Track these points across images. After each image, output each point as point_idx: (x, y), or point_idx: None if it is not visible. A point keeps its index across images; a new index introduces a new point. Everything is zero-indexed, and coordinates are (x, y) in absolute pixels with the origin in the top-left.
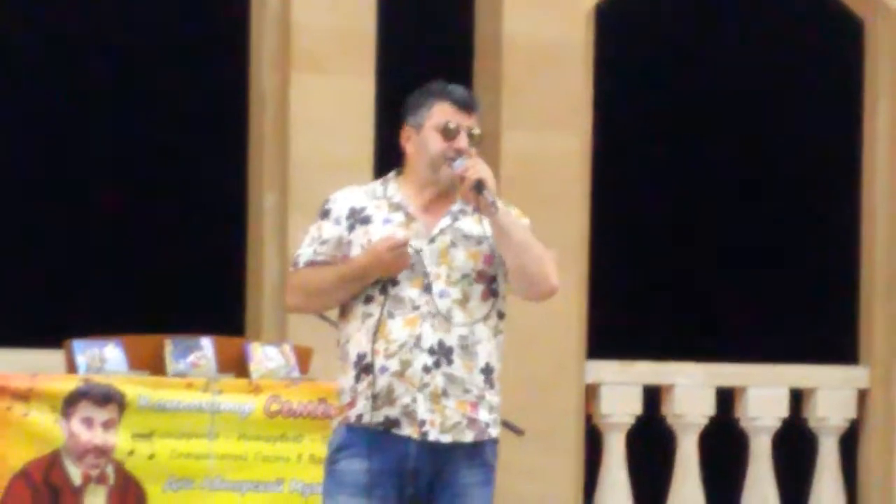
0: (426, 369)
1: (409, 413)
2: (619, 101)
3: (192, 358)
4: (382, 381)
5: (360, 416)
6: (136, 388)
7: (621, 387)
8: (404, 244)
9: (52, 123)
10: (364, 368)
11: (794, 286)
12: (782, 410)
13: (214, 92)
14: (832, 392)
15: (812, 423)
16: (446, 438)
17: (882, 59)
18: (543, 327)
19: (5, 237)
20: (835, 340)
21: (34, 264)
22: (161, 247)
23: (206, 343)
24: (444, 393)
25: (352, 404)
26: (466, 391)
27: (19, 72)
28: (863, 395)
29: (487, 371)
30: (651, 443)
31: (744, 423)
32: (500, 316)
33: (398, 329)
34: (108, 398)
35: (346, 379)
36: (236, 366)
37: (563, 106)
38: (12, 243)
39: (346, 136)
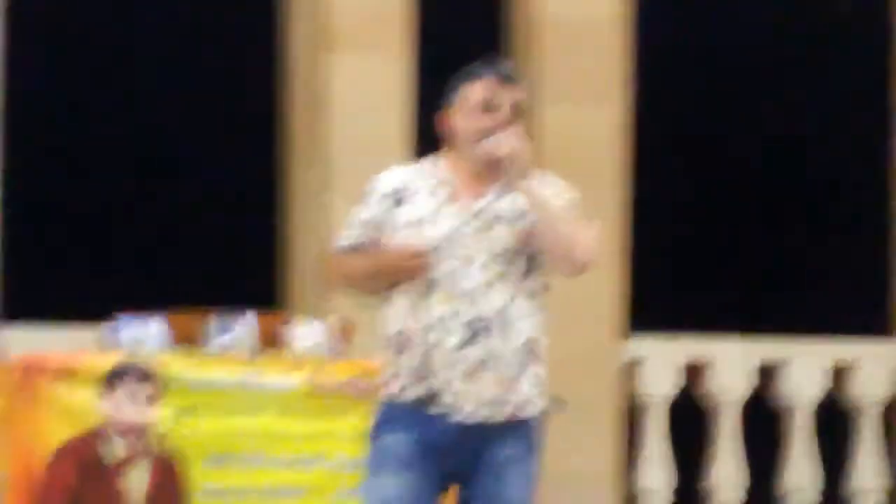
0: (463, 345)
1: (447, 388)
2: (657, 75)
3: (233, 334)
4: (421, 357)
5: (402, 390)
6: (178, 365)
7: (662, 362)
8: (417, 253)
9: (95, 102)
10: (404, 344)
11: (835, 260)
12: (822, 385)
13: (247, 71)
14: (873, 367)
15: (852, 398)
16: (481, 415)
17: None
18: (584, 302)
19: (49, 214)
20: (877, 315)
21: (78, 241)
22: (203, 224)
23: (248, 319)
24: (481, 369)
25: (393, 379)
26: (505, 368)
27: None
28: None
29: (529, 345)
30: (691, 418)
31: (784, 399)
32: (542, 292)
33: (437, 305)
34: (149, 374)
35: (388, 354)
36: (278, 342)
37: (602, 81)
38: (56, 220)
39: (382, 115)
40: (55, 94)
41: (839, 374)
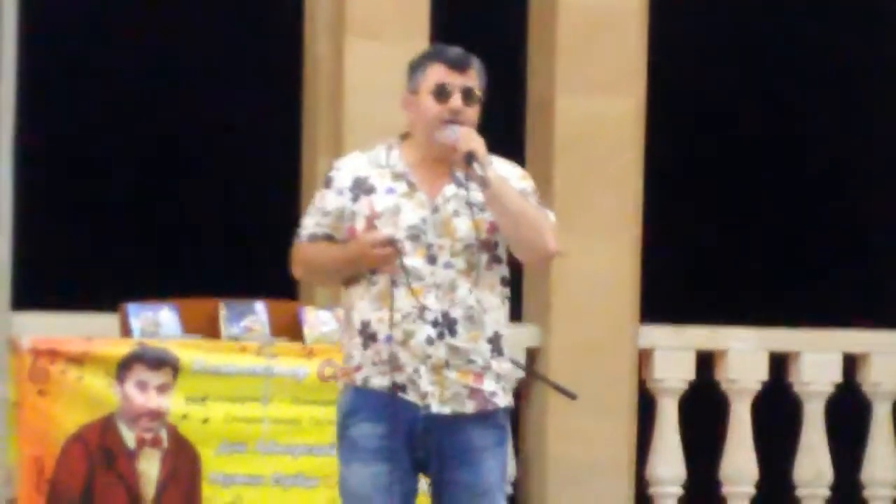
0: (429, 341)
1: (413, 382)
2: (674, 66)
3: (245, 322)
4: (387, 350)
5: (366, 380)
6: (190, 352)
7: (674, 351)
8: (387, 241)
9: (113, 88)
10: (369, 336)
11: (848, 250)
12: (836, 375)
13: (269, 57)
14: (886, 357)
15: (866, 389)
16: (447, 410)
17: None
18: (596, 291)
19: (60, 202)
20: (890, 305)
21: (89, 229)
22: (216, 211)
23: (260, 307)
24: (447, 364)
25: (358, 368)
26: (470, 361)
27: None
28: None
29: (496, 339)
30: (704, 408)
31: (797, 389)
32: (506, 283)
33: (402, 299)
34: (162, 362)
35: (352, 344)
36: (290, 330)
37: (618, 70)
38: (67, 208)
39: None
40: (71, 80)
41: (853, 363)
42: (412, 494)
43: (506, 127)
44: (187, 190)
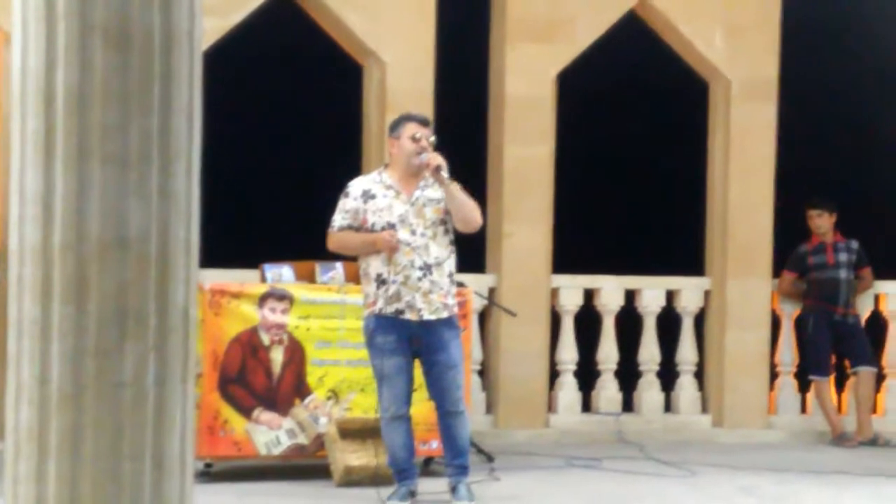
0: (419, 279)
1: (411, 305)
2: (573, 126)
3: (331, 273)
4: (393, 288)
5: (381, 309)
6: (300, 291)
7: (571, 289)
8: (396, 239)
9: (243, 112)
10: (381, 281)
11: (669, 223)
12: (661, 302)
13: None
14: (689, 292)
15: (678, 310)
16: (433, 317)
17: None
18: (527, 255)
19: (225, 192)
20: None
21: (241, 210)
22: (307, 188)
23: (339, 265)
24: (430, 291)
25: (374, 303)
26: (441, 289)
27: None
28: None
29: (451, 276)
30: (587, 321)
31: (640, 310)
32: (453, 243)
33: (400, 257)
34: (283, 296)
35: (370, 287)
36: (356, 278)
37: (539, 129)
38: (232, 197)
39: (412, 70)
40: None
41: (670, 296)
42: (412, 372)
43: (471, 163)
44: (299, 192)
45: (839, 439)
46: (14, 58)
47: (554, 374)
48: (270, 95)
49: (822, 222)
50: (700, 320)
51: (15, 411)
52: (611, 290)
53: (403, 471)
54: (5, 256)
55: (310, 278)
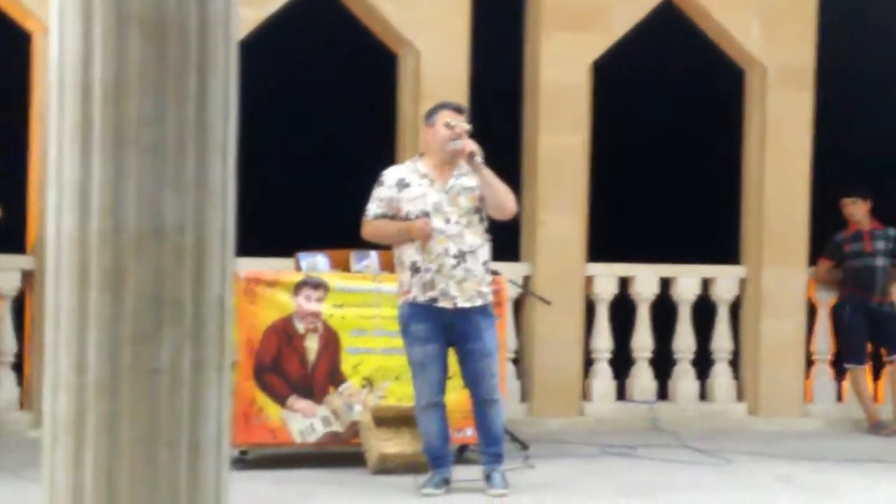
0: (453, 266)
1: (445, 293)
2: (609, 116)
3: (365, 262)
4: (427, 276)
5: (415, 297)
6: (335, 279)
7: (606, 277)
8: (430, 227)
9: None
10: (416, 269)
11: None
12: (696, 291)
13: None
14: (726, 280)
15: (714, 298)
16: (467, 304)
17: None
18: (562, 243)
19: (261, 182)
20: (730, 248)
21: (276, 199)
22: (342, 177)
23: (373, 254)
24: (464, 279)
25: (409, 291)
26: (475, 277)
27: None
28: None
29: (485, 264)
30: (622, 309)
31: (675, 298)
32: (487, 231)
33: (434, 245)
34: (319, 285)
35: (405, 275)
36: (391, 267)
37: (573, 118)
38: (267, 187)
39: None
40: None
41: (706, 284)
42: (446, 360)
43: (506, 151)
44: (334, 181)
45: (875, 427)
46: (52, 50)
47: (588, 363)
48: (305, 85)
49: (855, 210)
50: (735, 309)
51: (52, 399)
52: (645, 279)
53: (438, 458)
54: (44, 246)
55: (344, 267)
